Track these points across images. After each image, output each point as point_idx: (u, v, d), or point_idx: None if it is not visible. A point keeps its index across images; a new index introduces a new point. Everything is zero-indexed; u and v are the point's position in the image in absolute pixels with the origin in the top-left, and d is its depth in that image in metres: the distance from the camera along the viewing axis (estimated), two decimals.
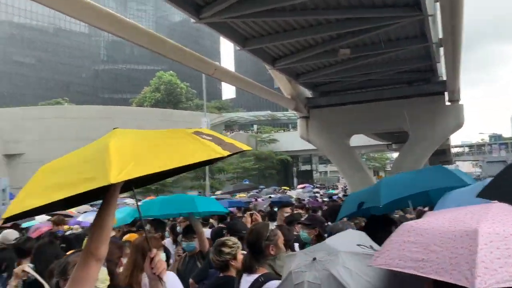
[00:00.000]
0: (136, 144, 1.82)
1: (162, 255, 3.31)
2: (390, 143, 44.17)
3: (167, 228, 7.51)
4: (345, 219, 4.70)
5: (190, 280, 4.37)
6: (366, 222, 3.79)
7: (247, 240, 3.44)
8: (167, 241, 6.70)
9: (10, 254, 4.70)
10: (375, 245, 2.02)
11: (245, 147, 2.04)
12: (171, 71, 77.89)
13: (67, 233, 7.11)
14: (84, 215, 8.69)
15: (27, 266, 3.75)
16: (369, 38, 15.54)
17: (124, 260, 3.57)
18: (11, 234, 6.02)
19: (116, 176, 1.52)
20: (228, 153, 1.89)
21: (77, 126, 58.36)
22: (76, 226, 8.06)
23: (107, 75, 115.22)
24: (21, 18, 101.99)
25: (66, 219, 8.36)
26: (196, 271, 4.56)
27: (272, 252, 3.32)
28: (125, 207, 10.64)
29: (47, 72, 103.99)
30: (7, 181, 18.69)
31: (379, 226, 3.22)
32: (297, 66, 18.94)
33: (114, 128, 2.08)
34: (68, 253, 3.43)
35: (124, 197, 33.62)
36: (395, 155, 53.76)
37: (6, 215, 1.76)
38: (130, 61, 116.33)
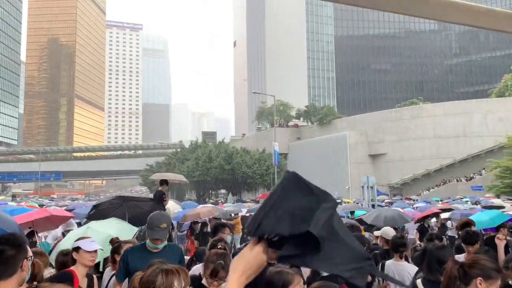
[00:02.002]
0: None
1: None
2: None
3: None
4: None
5: None
6: None
7: None
8: None
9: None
10: None
11: None
12: None
13: None
14: None
15: None
16: None
17: None
18: (391, 231, 6.47)
19: None
20: None
21: (433, 124, 58.27)
22: None
23: (460, 68, 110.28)
24: (375, 30, 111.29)
25: None
26: None
27: None
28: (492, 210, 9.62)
29: (401, 74, 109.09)
30: (374, 179, 20.59)
31: None
32: None
33: None
34: None
35: (489, 196, 31.06)
36: None
37: None
38: (485, 49, 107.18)
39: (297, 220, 1.07)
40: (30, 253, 2.28)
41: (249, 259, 1.12)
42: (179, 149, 72.56)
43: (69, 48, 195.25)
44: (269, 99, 70.97)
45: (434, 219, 12.46)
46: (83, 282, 3.60)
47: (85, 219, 8.54)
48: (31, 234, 6.96)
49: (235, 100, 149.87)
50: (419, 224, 10.64)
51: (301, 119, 78.45)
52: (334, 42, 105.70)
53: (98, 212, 6.44)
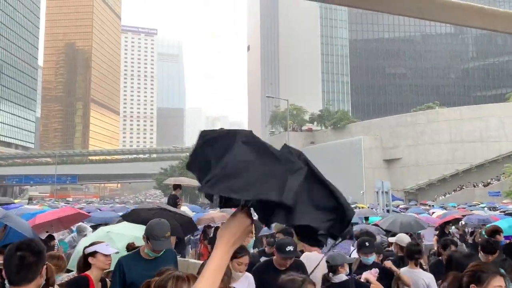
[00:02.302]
0: None
1: None
2: None
3: None
4: None
5: None
6: None
7: None
8: None
9: None
10: None
11: None
12: None
13: None
14: None
15: None
16: None
17: None
18: (406, 237, 6.32)
19: None
20: None
21: (449, 128, 57.71)
22: None
23: (477, 72, 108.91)
24: (390, 33, 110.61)
25: None
26: None
27: None
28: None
29: (417, 79, 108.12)
30: (389, 184, 20.37)
31: None
32: None
33: None
34: None
35: (506, 202, 30.46)
36: None
37: None
38: (503, 53, 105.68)
39: (270, 188, 1.06)
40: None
41: (233, 225, 1.16)
42: None
43: (85, 53, 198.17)
44: (282, 103, 70.95)
45: (453, 227, 12.20)
46: (97, 286, 3.64)
47: (119, 218, 8.60)
48: (49, 238, 7.04)
49: (249, 104, 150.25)
50: (438, 230, 10.41)
51: (315, 123, 78.14)
52: (349, 45, 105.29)
53: (134, 213, 6.43)
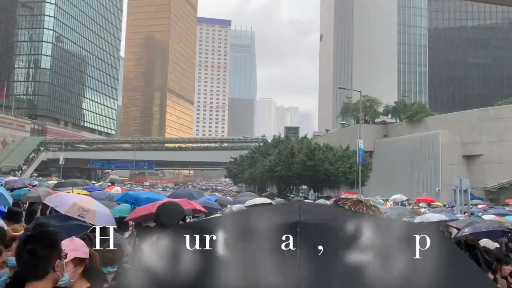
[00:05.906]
0: None
1: None
2: None
3: None
4: None
5: None
6: None
7: None
8: None
9: None
10: None
11: None
12: None
13: None
14: None
15: None
16: None
17: None
18: (492, 244, 5.92)
19: None
20: None
21: None
22: None
23: None
24: (474, 21, 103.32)
25: None
26: None
27: None
28: None
29: (502, 70, 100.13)
30: (468, 182, 19.23)
31: None
32: None
33: None
34: None
35: None
36: None
37: None
38: None
39: None
40: (64, 252, 2.17)
41: None
42: (262, 144, 73.29)
43: (163, 44, 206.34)
44: (355, 94, 69.05)
45: None
46: None
47: None
48: None
49: (320, 95, 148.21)
50: None
51: (389, 116, 75.19)
52: (428, 34, 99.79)
53: None
